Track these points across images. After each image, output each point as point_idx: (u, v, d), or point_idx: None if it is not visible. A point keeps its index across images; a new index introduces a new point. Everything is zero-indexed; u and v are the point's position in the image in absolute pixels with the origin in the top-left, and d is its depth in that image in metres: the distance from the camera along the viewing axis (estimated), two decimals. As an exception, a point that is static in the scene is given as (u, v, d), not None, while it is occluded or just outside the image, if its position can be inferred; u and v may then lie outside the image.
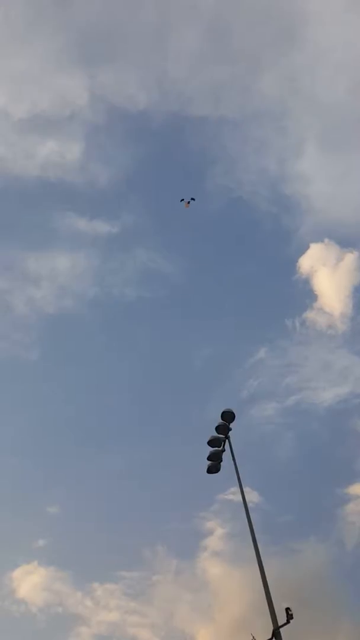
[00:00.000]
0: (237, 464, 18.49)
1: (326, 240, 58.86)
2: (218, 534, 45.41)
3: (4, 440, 54.42)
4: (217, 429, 19.06)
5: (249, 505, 17.58)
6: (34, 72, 71.19)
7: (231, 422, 19.08)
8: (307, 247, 59.06)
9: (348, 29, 65.96)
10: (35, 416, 58.21)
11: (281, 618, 14.79)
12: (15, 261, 66.11)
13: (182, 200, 41.21)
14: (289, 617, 14.65)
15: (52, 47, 69.95)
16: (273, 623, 14.81)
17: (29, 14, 68.21)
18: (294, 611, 14.75)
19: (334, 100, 67.03)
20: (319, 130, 67.82)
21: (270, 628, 14.80)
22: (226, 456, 18.93)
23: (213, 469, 18.88)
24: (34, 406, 59.61)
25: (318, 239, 60.18)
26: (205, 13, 68.23)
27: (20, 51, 70.78)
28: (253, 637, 15.04)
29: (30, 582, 44.38)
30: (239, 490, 17.98)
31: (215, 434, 19.09)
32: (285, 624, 14.65)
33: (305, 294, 58.07)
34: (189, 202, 40.90)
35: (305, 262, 57.78)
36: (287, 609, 14.78)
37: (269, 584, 15.67)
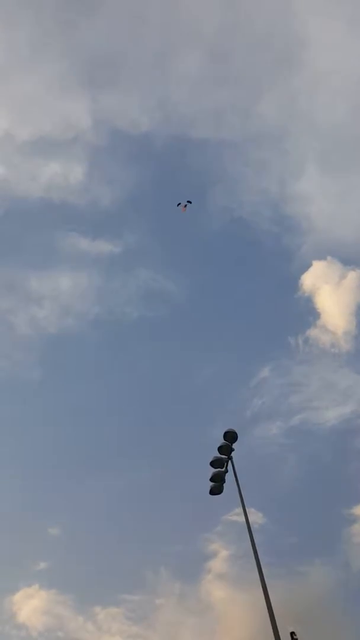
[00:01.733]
0: (240, 484, 18.35)
1: (329, 257, 59.19)
2: (222, 556, 44.85)
3: (4, 461, 54.13)
4: (220, 449, 18.95)
5: (254, 526, 17.48)
6: (38, 96, 72.64)
7: (233, 442, 19.01)
8: (310, 265, 59.37)
9: (347, 54, 67.31)
10: (36, 436, 57.98)
11: (286, 642, 14.60)
12: (17, 281, 66.57)
13: (179, 204, 41.08)
14: (294, 641, 14.48)
15: (56, 71, 71.58)
16: (278, 647, 14.59)
17: (33, 39, 69.77)
18: (299, 635, 14.57)
19: (333, 122, 68.09)
20: (319, 152, 68.69)
21: (275, 653, 14.59)
22: (230, 476, 18.75)
23: (216, 490, 18.67)
24: (35, 426, 59.47)
25: (320, 256, 60.57)
26: (206, 38, 69.71)
27: (25, 75, 72.36)
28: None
29: (31, 605, 43.74)
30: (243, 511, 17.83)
31: (217, 454, 18.97)
32: (290, 649, 14.48)
33: (308, 312, 58.26)
34: (185, 206, 40.76)
35: (308, 280, 58.03)
36: (292, 633, 14.62)
37: (273, 607, 15.47)
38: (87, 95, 72.78)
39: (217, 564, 44.61)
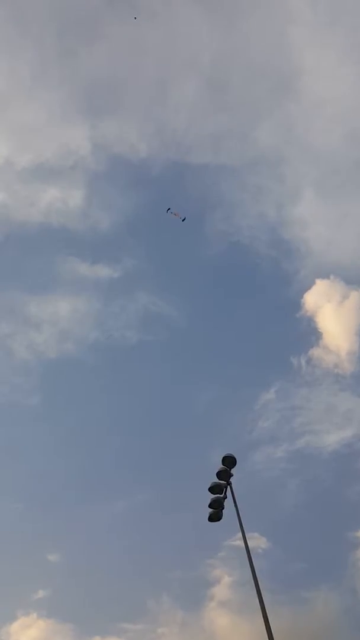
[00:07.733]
0: (241, 509, 17.91)
1: (331, 276, 59.28)
2: (225, 582, 44.10)
3: (4, 486, 53.66)
4: (218, 474, 18.44)
5: (257, 551, 17.30)
6: (38, 123, 73.85)
7: (232, 467, 18.52)
8: (311, 284, 59.48)
9: (342, 81, 68.57)
10: (35, 461, 57.60)
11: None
12: (16, 305, 66.89)
13: (169, 209, 42.25)
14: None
15: (57, 99, 72.95)
16: None
17: (34, 67, 71.31)
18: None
19: (329, 148, 69.09)
20: (315, 177, 69.65)
21: None
22: (230, 502, 18.19)
23: (214, 517, 18.14)
24: (34, 451, 59.11)
25: (322, 276, 60.86)
26: (204, 66, 71.14)
27: (26, 103, 73.76)
28: None
29: (29, 635, 42.89)
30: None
31: (216, 479, 18.44)
32: None
33: (311, 331, 58.25)
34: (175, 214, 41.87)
35: (310, 298, 58.00)
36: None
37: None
38: (87, 122, 74.14)
39: (221, 591, 43.87)
